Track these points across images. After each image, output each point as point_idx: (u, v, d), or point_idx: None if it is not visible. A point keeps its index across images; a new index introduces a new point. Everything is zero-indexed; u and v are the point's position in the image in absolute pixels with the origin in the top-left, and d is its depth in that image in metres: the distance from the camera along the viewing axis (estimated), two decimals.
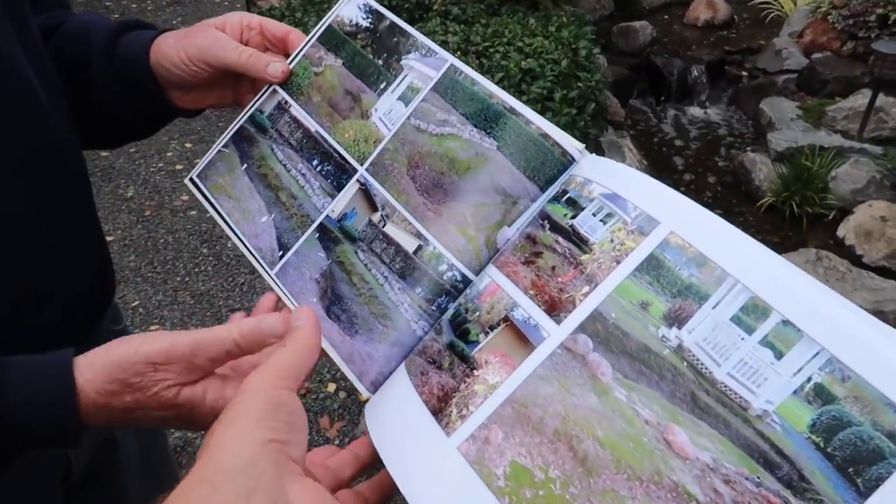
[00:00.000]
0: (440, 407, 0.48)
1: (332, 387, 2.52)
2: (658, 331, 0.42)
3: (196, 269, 3.14)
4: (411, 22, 3.90)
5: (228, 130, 0.73)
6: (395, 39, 0.68)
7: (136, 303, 2.93)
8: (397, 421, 0.51)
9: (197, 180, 0.73)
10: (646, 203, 0.47)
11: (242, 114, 0.72)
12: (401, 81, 0.65)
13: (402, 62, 0.66)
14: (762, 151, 3.91)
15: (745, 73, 4.81)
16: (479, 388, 0.47)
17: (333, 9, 0.72)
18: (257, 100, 0.72)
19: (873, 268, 3.04)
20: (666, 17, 5.67)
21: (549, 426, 0.43)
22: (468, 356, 0.49)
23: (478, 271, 0.56)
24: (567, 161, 0.56)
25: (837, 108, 3.98)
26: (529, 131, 0.57)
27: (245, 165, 0.71)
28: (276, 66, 0.69)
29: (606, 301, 0.45)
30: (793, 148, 3.73)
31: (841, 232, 3.25)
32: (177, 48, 0.69)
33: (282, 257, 0.65)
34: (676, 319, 0.42)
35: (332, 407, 2.44)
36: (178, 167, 3.90)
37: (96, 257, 0.72)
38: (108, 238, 3.31)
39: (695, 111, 4.77)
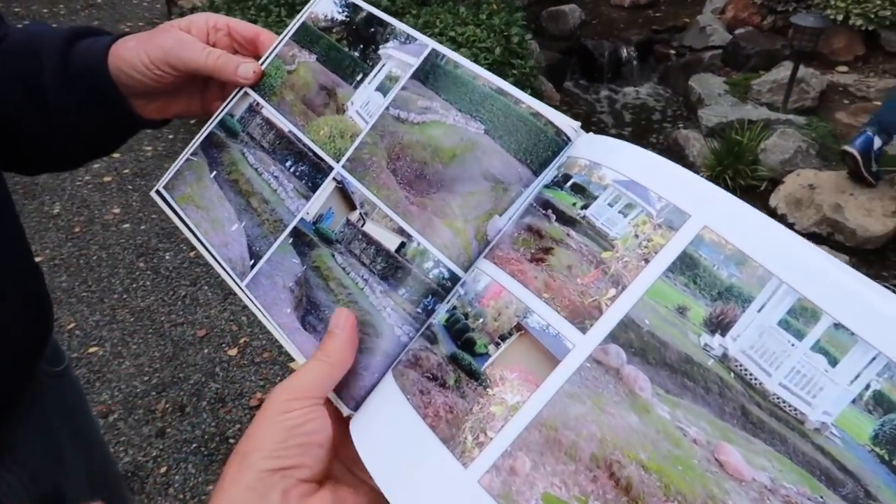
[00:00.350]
0: (451, 433, 0.43)
1: None
2: (700, 339, 0.39)
3: (134, 285, 2.99)
4: None
5: (197, 137, 0.68)
6: (372, 30, 0.63)
7: (72, 325, 2.76)
8: (399, 450, 0.45)
9: (164, 192, 0.68)
10: (671, 193, 0.42)
11: (212, 119, 0.67)
12: (378, 71, 0.61)
13: (380, 51, 0.62)
14: (694, 127, 4.00)
15: (672, 52, 4.92)
16: (497, 410, 0.42)
17: (308, 5, 0.68)
18: (227, 104, 0.67)
19: (805, 235, 3.17)
20: None
21: (584, 451, 0.39)
22: (478, 372, 0.44)
23: (467, 267, 0.51)
24: (562, 141, 0.51)
25: (762, 82, 4.11)
26: (519, 111, 0.52)
27: (214, 173, 0.66)
28: (246, 68, 0.64)
29: (638, 306, 0.40)
30: (723, 123, 3.83)
31: (773, 202, 3.36)
32: (138, 51, 0.63)
33: (253, 267, 0.60)
34: (719, 325, 0.38)
35: None
36: (107, 179, 3.68)
37: (26, 289, 0.63)
38: (36, 259, 3.08)
39: (627, 91, 4.84)
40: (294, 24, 0.67)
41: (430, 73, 0.58)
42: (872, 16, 4.03)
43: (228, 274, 0.60)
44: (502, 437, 0.41)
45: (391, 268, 0.53)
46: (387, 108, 0.58)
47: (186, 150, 0.67)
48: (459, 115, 0.55)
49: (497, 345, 0.45)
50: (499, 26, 3.52)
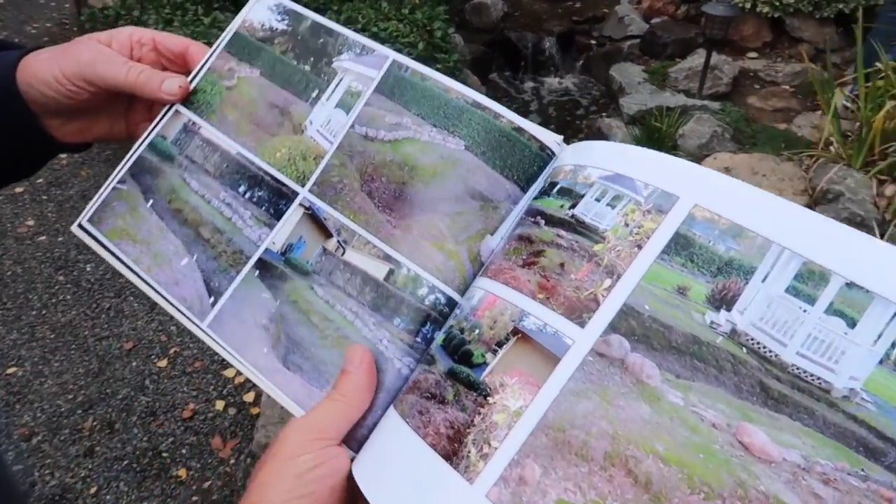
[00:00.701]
0: (453, 449, 0.40)
1: (220, 404, 2.37)
2: (704, 317, 0.37)
3: (53, 300, 2.82)
4: None
5: (123, 164, 0.61)
6: (321, 40, 0.59)
7: None
8: (401, 478, 0.42)
9: (88, 226, 0.60)
10: (657, 178, 0.41)
11: (139, 142, 0.61)
12: (336, 87, 0.57)
13: (335, 65, 0.58)
14: (616, 116, 4.10)
15: (593, 42, 5.03)
16: (500, 418, 0.39)
17: (241, 12, 0.63)
18: (157, 124, 0.61)
19: None
20: None
21: (596, 450, 0.36)
22: (477, 382, 0.42)
23: (464, 291, 0.48)
24: (546, 156, 0.50)
25: (678, 69, 4.25)
26: (500, 126, 0.50)
27: (151, 202, 0.60)
28: (172, 83, 0.59)
29: (636, 292, 0.38)
30: (643, 110, 3.94)
31: None
32: (50, 65, 0.57)
33: (214, 305, 0.54)
34: (723, 301, 0.37)
35: (223, 426, 2.31)
36: (18, 189, 3.46)
37: None
38: None
39: (552, 81, 4.92)
40: (227, 34, 0.62)
41: (395, 87, 0.55)
42: (777, 3, 4.24)
43: (185, 315, 0.55)
44: (507, 445, 0.38)
45: (382, 297, 0.50)
46: (352, 126, 0.55)
47: (111, 178, 0.61)
48: (435, 131, 0.52)
49: (494, 352, 0.42)
50: (421, 21, 3.51)
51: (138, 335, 2.64)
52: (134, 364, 2.52)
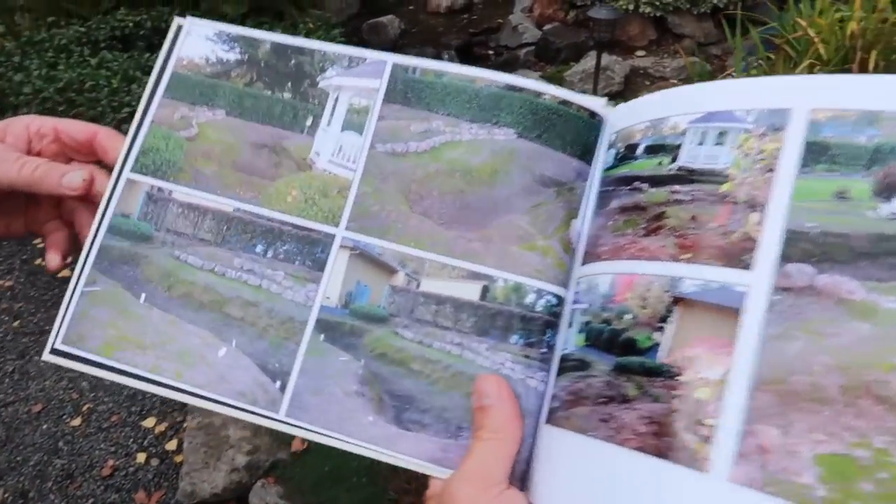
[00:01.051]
0: (665, 444, 0.36)
1: (141, 457, 2.23)
2: (878, 211, 0.34)
3: None
4: (151, 49, 3.55)
5: (82, 263, 0.50)
6: (293, 61, 0.53)
7: None
8: (610, 494, 0.37)
9: (66, 349, 0.49)
10: (756, 101, 0.39)
11: (92, 233, 0.51)
12: (334, 109, 0.51)
13: (322, 84, 0.52)
14: None
15: (491, 52, 5.15)
16: (704, 393, 0.36)
17: (164, 51, 0.54)
18: (106, 205, 0.51)
19: None
20: (411, 7, 5.79)
21: (830, 388, 0.33)
22: (656, 367, 0.38)
23: (567, 284, 0.45)
24: (597, 122, 0.47)
25: (573, 73, 4.41)
26: (546, 103, 0.48)
27: (144, 295, 0.50)
28: (73, 176, 0.52)
29: (792, 215, 0.36)
30: None
31: None
32: None
33: (284, 388, 0.46)
34: (893, 188, 0.35)
35: (147, 478, 2.18)
36: None
37: None
38: None
39: None
40: (160, 78, 0.53)
41: (408, 92, 0.50)
42: (658, 3, 4.50)
43: (251, 412, 0.46)
44: (728, 419, 0.35)
45: (486, 318, 0.45)
46: (372, 146, 0.49)
47: (72, 284, 0.50)
48: (475, 127, 0.48)
49: (660, 329, 0.38)
50: None
51: (47, 395, 2.48)
52: (45, 426, 2.37)
